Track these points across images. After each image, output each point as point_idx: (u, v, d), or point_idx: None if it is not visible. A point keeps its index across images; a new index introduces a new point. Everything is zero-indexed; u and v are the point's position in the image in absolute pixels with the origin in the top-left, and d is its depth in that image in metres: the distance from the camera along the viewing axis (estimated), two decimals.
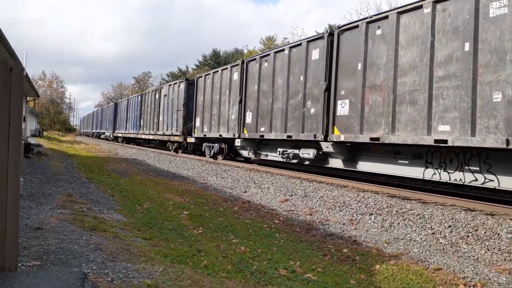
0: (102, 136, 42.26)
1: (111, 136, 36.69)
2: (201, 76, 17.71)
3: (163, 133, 21.39)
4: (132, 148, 27.27)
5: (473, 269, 4.66)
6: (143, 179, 11.98)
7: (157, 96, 23.26)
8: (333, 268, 4.53)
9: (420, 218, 6.43)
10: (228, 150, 15.66)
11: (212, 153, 16.17)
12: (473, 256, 5.16)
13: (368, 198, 7.79)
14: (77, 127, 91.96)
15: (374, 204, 7.40)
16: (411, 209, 6.77)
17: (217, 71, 15.92)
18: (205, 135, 16.57)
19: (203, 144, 17.17)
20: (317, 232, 6.30)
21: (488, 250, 5.18)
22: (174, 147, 20.82)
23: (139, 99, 27.06)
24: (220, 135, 15.11)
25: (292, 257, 4.85)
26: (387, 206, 7.15)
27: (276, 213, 7.70)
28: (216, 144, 15.91)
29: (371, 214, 7.12)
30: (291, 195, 9.27)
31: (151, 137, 24.39)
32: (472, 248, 5.33)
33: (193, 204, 8.04)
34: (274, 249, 5.16)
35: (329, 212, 7.76)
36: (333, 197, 8.33)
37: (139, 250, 4.21)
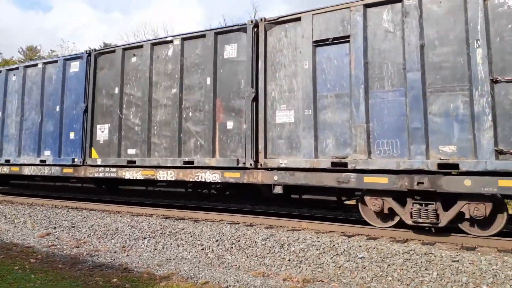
0: None
1: None
2: None
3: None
4: None
5: (235, 277, 5.11)
6: None
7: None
8: None
9: (191, 236, 6.66)
10: None
11: None
12: (236, 265, 5.68)
13: (142, 222, 7.58)
14: None
15: (148, 228, 7.25)
16: (184, 229, 6.95)
17: None
18: None
19: None
20: (84, 266, 5.64)
21: (248, 257, 5.81)
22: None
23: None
24: None
25: None
26: (161, 228, 7.13)
27: (33, 250, 6.53)
28: None
29: (145, 238, 6.94)
30: (55, 227, 8.09)
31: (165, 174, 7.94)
32: (235, 258, 5.87)
33: None
34: None
35: (99, 242, 7.13)
36: (105, 225, 7.73)
37: None
